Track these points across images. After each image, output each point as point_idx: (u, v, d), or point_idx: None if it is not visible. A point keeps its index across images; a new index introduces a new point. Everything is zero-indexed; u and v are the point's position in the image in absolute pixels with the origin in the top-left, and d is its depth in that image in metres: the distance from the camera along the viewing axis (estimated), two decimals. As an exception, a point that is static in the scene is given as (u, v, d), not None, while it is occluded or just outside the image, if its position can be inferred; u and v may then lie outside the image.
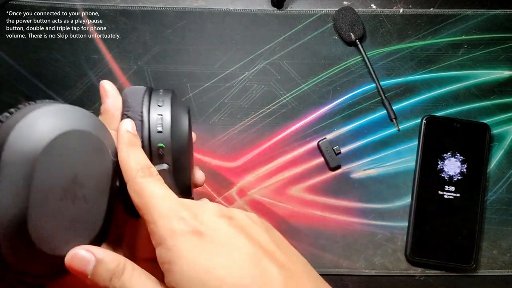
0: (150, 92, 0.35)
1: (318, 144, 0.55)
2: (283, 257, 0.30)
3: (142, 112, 0.34)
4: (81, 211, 0.30)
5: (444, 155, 0.55)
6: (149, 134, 0.33)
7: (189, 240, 0.29)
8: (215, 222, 0.30)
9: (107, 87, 0.36)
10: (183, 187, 0.35)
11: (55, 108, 0.29)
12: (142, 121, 0.34)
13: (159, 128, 0.33)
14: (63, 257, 0.29)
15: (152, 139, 0.33)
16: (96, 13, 0.56)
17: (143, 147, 0.33)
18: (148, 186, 0.31)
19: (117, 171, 0.33)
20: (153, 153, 0.33)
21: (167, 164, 0.33)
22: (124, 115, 0.34)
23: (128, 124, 0.33)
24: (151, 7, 0.57)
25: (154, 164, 0.33)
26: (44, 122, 0.28)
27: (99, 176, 0.31)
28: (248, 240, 0.30)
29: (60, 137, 0.28)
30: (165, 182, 0.33)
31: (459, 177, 0.54)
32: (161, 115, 0.34)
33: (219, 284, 0.27)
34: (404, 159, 0.56)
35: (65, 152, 0.29)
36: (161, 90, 0.35)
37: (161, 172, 0.33)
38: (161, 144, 0.33)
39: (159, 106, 0.34)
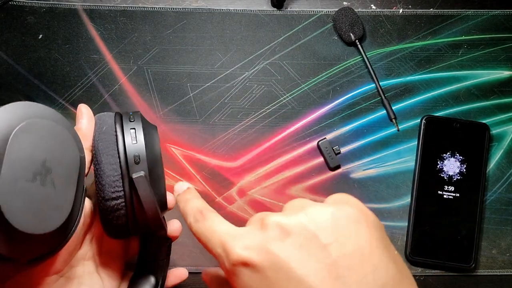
0: (121, 114, 0.39)
1: (318, 144, 0.55)
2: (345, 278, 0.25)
3: (116, 127, 0.37)
4: (50, 195, 0.31)
5: (444, 155, 0.55)
6: (124, 145, 0.36)
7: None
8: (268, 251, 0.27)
9: (83, 110, 0.40)
10: (160, 195, 0.38)
11: (28, 103, 0.32)
12: (116, 135, 0.37)
13: (134, 140, 0.37)
14: (34, 236, 0.30)
15: (128, 149, 0.36)
16: (96, 13, 0.56)
17: (119, 158, 0.36)
18: (203, 226, 0.32)
19: (83, 169, 0.35)
20: (130, 162, 0.36)
21: (143, 171, 0.36)
22: (102, 136, 0.37)
23: (183, 185, 0.38)
24: (151, 7, 0.57)
25: (132, 172, 0.36)
26: (18, 108, 0.31)
27: (67, 165, 0.33)
28: (297, 269, 0.26)
29: (31, 122, 0.31)
30: (144, 188, 0.35)
31: (459, 177, 0.54)
32: (134, 128, 0.37)
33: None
34: (403, 159, 0.56)
35: (35, 137, 0.31)
36: (131, 112, 0.39)
37: (139, 178, 0.35)
38: (136, 154, 0.36)
39: (130, 121, 0.38)
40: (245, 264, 0.27)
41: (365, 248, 0.26)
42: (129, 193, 0.36)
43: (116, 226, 0.37)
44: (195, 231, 0.33)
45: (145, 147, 0.36)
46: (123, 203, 0.36)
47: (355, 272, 0.25)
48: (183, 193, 0.37)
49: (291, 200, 0.31)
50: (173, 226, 0.42)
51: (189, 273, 0.54)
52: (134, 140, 0.37)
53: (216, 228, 0.31)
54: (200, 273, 0.53)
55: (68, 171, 0.33)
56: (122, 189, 0.36)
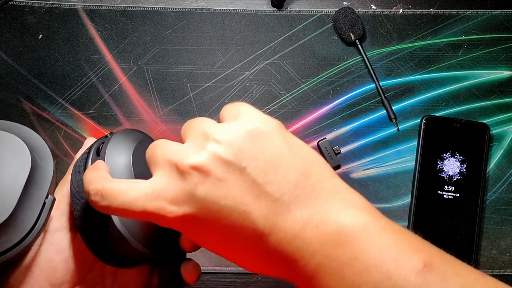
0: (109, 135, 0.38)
1: (318, 144, 0.55)
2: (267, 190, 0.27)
3: (92, 145, 0.37)
4: None
5: (444, 155, 0.55)
6: (90, 159, 0.36)
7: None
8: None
9: (87, 142, 0.41)
10: None
11: None
12: (88, 152, 0.37)
13: (99, 153, 0.36)
14: None
15: (91, 162, 0.36)
16: (96, 13, 0.56)
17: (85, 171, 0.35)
18: (113, 203, 0.29)
19: (35, 178, 0.34)
20: None
21: None
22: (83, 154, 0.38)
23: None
24: (151, 7, 0.57)
25: None
26: None
27: (12, 170, 0.33)
28: (216, 191, 0.27)
29: None
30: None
31: (459, 177, 0.54)
32: (103, 142, 0.36)
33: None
34: (403, 159, 0.56)
35: None
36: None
37: None
38: None
39: (106, 137, 0.37)
40: (183, 221, 0.27)
41: (274, 158, 0.28)
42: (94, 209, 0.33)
43: (94, 246, 0.35)
44: (105, 212, 0.29)
45: (107, 157, 0.35)
46: (92, 220, 0.34)
47: (271, 183, 0.27)
48: (91, 170, 0.32)
49: (189, 126, 0.30)
50: (186, 269, 0.37)
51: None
52: (99, 151, 0.36)
53: (130, 196, 0.28)
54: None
55: (13, 176, 0.33)
56: (89, 206, 0.34)
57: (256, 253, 0.28)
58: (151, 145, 0.30)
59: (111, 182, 0.29)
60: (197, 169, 0.27)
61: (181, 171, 0.27)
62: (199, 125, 0.30)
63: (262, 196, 0.27)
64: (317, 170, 0.29)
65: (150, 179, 0.29)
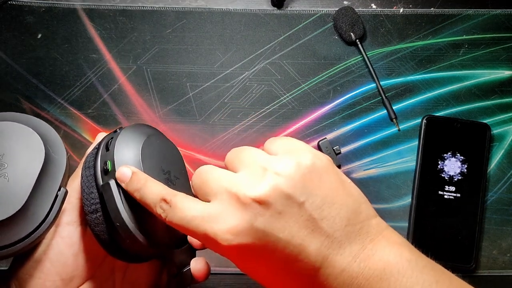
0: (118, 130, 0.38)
1: (318, 144, 0.55)
2: (322, 228, 0.29)
3: (102, 140, 0.37)
4: (1, 186, 0.32)
5: (445, 155, 0.55)
6: (100, 154, 0.36)
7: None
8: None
9: (98, 137, 0.40)
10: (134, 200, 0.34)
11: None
12: (98, 147, 0.36)
13: (108, 147, 0.36)
14: None
15: (101, 156, 0.35)
16: (95, 13, 0.56)
17: (95, 166, 0.35)
18: (175, 216, 0.30)
19: (49, 170, 0.34)
20: (101, 169, 0.35)
21: (113, 178, 0.34)
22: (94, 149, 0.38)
23: (125, 171, 0.34)
24: (151, 6, 0.56)
25: (103, 180, 0.34)
26: None
27: (26, 162, 0.33)
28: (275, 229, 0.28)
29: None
30: (112, 195, 0.33)
31: (460, 177, 0.54)
32: (112, 137, 0.36)
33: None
34: (404, 159, 0.55)
35: None
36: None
37: (106, 186, 0.34)
38: (109, 161, 0.35)
39: (115, 132, 0.37)
40: (235, 250, 0.29)
41: (329, 195, 0.29)
42: (103, 204, 0.34)
43: (104, 240, 0.35)
44: (168, 223, 0.31)
45: (116, 152, 0.34)
46: (101, 215, 0.34)
47: (326, 219, 0.29)
48: (130, 182, 0.33)
49: (239, 156, 0.31)
50: (196, 266, 0.37)
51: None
52: (108, 146, 0.35)
53: (189, 214, 0.30)
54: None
55: (26, 167, 0.33)
56: (98, 200, 0.34)
57: (305, 286, 0.29)
58: (198, 172, 0.32)
59: (176, 195, 0.31)
60: (259, 201, 0.28)
61: (242, 203, 0.29)
62: (253, 155, 0.31)
63: (317, 231, 0.29)
64: (364, 208, 0.31)
65: (208, 204, 0.30)
